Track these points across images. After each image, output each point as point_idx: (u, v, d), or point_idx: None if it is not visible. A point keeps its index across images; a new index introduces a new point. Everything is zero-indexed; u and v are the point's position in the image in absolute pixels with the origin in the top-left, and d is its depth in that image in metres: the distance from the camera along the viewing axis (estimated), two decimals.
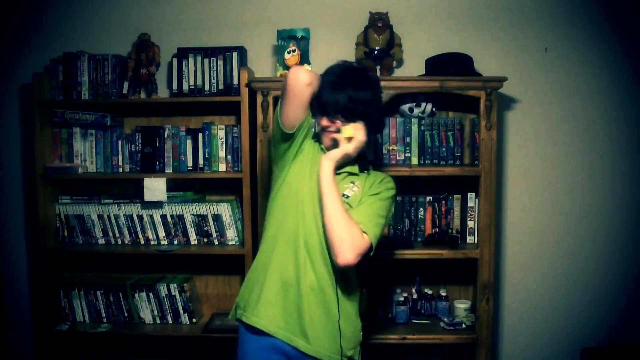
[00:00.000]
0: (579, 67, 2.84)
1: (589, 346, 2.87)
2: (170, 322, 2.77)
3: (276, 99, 2.35)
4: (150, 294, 2.75)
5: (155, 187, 2.66)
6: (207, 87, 2.68)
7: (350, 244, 1.66)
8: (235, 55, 2.67)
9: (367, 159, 2.54)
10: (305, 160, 1.81)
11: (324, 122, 1.78)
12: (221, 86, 2.67)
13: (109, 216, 2.77)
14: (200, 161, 2.73)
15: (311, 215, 1.76)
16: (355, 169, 1.86)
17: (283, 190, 1.81)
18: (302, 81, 1.69)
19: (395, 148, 2.67)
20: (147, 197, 2.66)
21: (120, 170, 2.77)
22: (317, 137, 1.86)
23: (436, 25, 2.83)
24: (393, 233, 2.73)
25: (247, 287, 1.86)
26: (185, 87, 2.68)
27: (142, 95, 2.78)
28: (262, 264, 1.82)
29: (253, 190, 2.61)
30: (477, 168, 2.52)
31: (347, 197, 1.80)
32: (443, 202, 2.72)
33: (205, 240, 2.76)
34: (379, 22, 2.65)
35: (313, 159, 1.81)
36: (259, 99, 2.50)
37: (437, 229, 2.71)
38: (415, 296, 2.75)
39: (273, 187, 1.88)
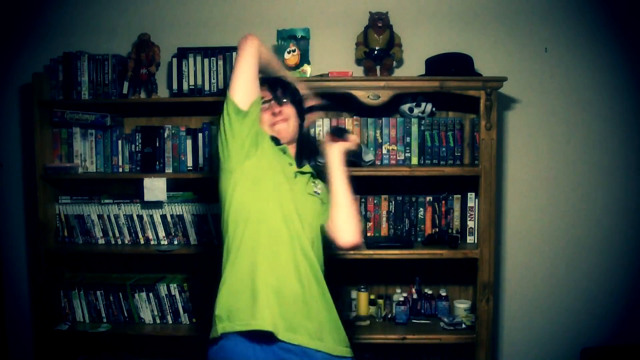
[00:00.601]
0: (579, 67, 2.84)
1: (589, 346, 2.87)
2: (170, 322, 2.77)
3: None
4: (150, 294, 2.75)
5: (155, 187, 2.66)
6: (207, 87, 2.68)
7: (359, 226, 1.80)
8: (235, 55, 2.66)
9: (365, 160, 2.57)
10: (272, 158, 1.78)
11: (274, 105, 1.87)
12: (221, 86, 2.67)
13: (109, 216, 2.77)
14: (200, 161, 2.73)
15: (294, 213, 1.73)
16: (309, 168, 1.90)
17: (259, 188, 1.72)
18: (250, 40, 1.79)
19: (395, 148, 2.67)
20: (147, 197, 2.66)
21: (120, 170, 2.77)
22: (273, 138, 1.85)
23: (436, 25, 2.83)
24: (393, 233, 2.73)
25: (229, 295, 1.67)
26: (185, 87, 2.68)
27: (142, 95, 2.78)
28: (244, 268, 1.68)
29: None
30: (477, 168, 2.52)
31: (318, 194, 1.85)
32: (443, 202, 2.72)
33: (205, 240, 2.76)
34: (379, 22, 2.65)
35: (277, 159, 1.80)
36: None
37: (437, 229, 2.71)
38: (415, 296, 2.74)
39: (232, 186, 1.73)
